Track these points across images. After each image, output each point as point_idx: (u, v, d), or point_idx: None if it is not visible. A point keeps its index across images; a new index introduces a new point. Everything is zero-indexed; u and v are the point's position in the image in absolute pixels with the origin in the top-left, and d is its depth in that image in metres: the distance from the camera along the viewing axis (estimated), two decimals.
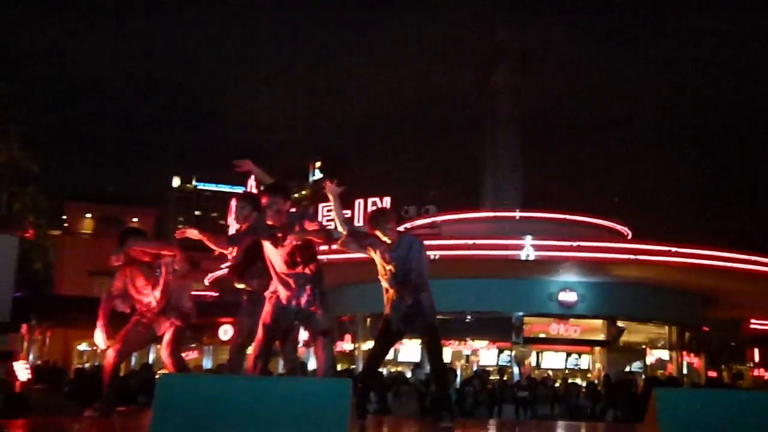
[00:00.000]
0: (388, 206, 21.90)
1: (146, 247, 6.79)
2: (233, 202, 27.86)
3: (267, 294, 6.12)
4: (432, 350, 6.36)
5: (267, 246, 6.04)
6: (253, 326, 6.22)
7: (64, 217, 45.20)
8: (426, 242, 6.40)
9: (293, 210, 6.10)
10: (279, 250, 5.95)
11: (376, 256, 6.17)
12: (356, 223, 22.90)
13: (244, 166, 6.83)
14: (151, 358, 27.12)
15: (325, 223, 7.99)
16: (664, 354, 23.31)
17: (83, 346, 31.35)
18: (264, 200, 5.95)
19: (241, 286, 6.68)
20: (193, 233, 6.04)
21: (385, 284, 6.17)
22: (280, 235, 5.90)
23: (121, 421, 6.42)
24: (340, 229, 6.22)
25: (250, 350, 6.45)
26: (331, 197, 6.21)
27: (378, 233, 6.16)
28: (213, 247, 6.22)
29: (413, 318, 6.11)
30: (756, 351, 31.68)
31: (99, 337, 6.64)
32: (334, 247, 6.35)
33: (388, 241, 6.14)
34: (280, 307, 6.00)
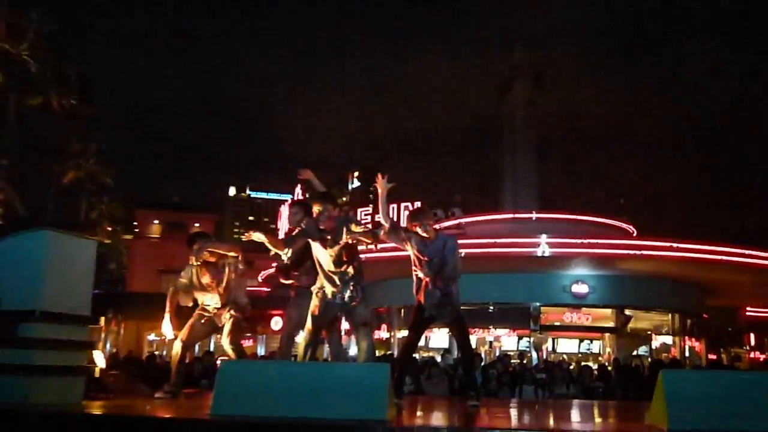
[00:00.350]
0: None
1: (216, 248, 6.83)
2: (285, 208, 28.07)
3: (314, 289, 6.14)
4: (461, 336, 6.33)
5: (317, 247, 6.09)
6: (301, 318, 6.24)
7: (135, 223, 45.72)
8: None
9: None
10: (328, 250, 6.02)
11: (413, 249, 6.11)
12: None
13: (305, 174, 6.86)
14: (212, 346, 27.35)
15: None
16: (668, 339, 23.01)
17: (152, 336, 31.67)
18: (316, 207, 6.05)
19: (287, 282, 6.69)
20: (258, 236, 6.12)
21: (420, 274, 6.10)
22: (329, 237, 5.99)
23: (186, 401, 6.45)
24: (383, 221, 6.17)
25: (298, 339, 6.46)
26: (380, 191, 6.16)
27: (417, 228, 6.11)
28: (272, 248, 6.31)
29: (444, 305, 6.05)
30: (752, 335, 31.29)
31: (167, 327, 6.68)
32: (378, 246, 6.32)
33: (426, 236, 6.09)
34: (326, 301, 6.05)
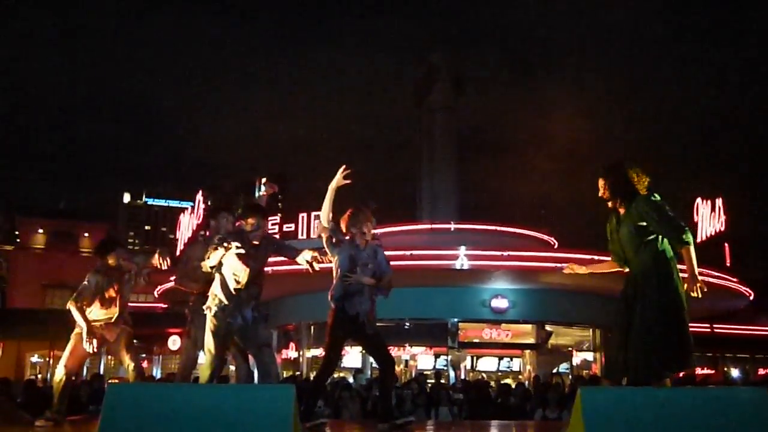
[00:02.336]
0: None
1: (128, 258, 6.81)
2: (185, 217, 27.54)
3: (211, 307, 5.98)
4: (382, 349, 6.28)
5: (232, 261, 5.96)
6: (201, 337, 6.13)
7: (17, 232, 44.05)
8: None
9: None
10: (247, 267, 5.95)
11: (342, 256, 6.07)
12: (300, 237, 22.82)
13: (273, 189, 7.12)
14: (102, 368, 26.55)
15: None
16: (589, 355, 23.63)
17: (35, 358, 30.55)
18: (251, 220, 6.04)
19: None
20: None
21: (352, 281, 6.03)
22: (255, 252, 5.99)
23: (71, 429, 6.25)
24: (323, 223, 6.16)
25: (200, 360, 6.36)
26: (333, 186, 6.17)
27: (354, 232, 6.11)
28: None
29: (371, 317, 6.10)
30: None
31: (88, 342, 6.47)
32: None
33: (360, 242, 6.10)
34: (227, 320, 5.94)
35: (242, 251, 5.87)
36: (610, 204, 5.40)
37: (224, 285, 5.98)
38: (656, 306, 5.03)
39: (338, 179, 6.22)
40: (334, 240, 6.10)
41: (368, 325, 6.07)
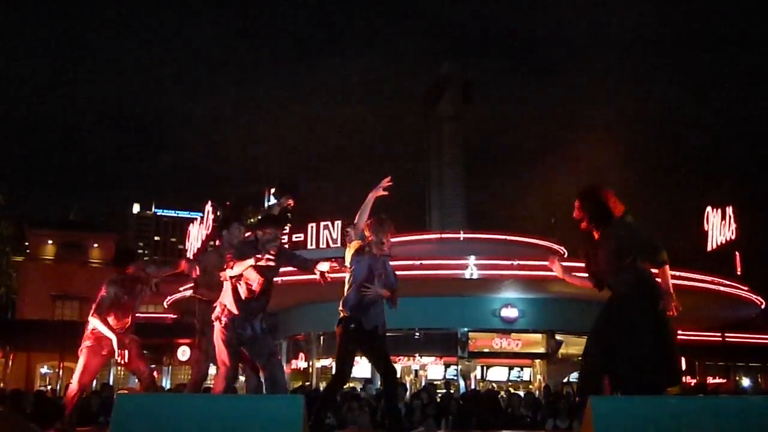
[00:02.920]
0: (340, 229, 21.90)
1: (143, 268, 6.93)
2: (194, 227, 27.60)
3: (221, 317, 5.93)
4: (386, 361, 6.25)
5: (250, 272, 5.88)
6: (212, 349, 6.13)
7: (27, 243, 44.21)
8: None
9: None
10: (261, 278, 5.88)
11: (361, 265, 6.06)
12: (309, 247, 22.85)
13: (290, 201, 7.23)
14: (111, 378, 26.59)
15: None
16: None
17: (45, 369, 30.62)
18: (269, 230, 5.94)
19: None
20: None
21: (370, 292, 6.03)
22: (273, 264, 5.84)
23: None
24: (353, 234, 6.18)
25: (211, 370, 6.38)
26: (373, 195, 6.18)
27: (375, 242, 6.10)
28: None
29: (384, 329, 6.13)
30: (682, 360, 32.29)
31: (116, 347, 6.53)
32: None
33: (378, 252, 6.11)
34: (237, 331, 5.86)
35: (272, 263, 5.76)
36: (583, 226, 5.44)
37: (236, 295, 5.90)
38: (642, 328, 5.05)
39: (380, 189, 6.23)
40: (365, 249, 6.09)
41: (383, 337, 6.09)
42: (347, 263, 6.15)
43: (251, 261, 5.67)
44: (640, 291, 5.18)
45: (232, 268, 5.78)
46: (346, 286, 6.14)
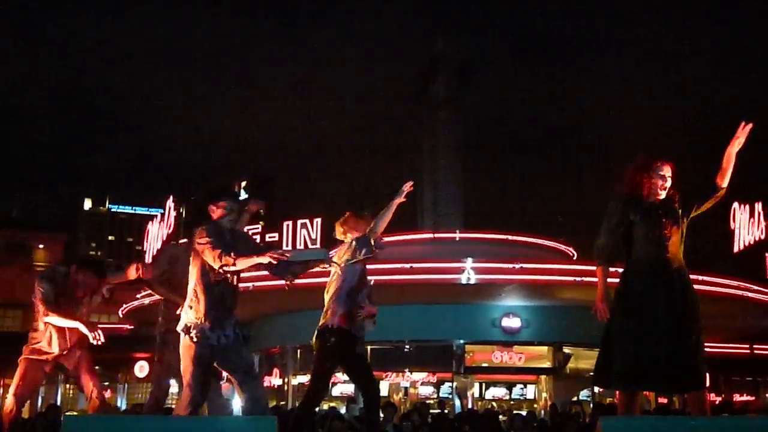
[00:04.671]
0: (319, 228, 21.88)
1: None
2: (153, 225, 27.59)
3: (189, 327, 5.76)
4: (367, 372, 6.40)
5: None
6: (174, 362, 6.08)
7: None
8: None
9: None
10: (231, 281, 5.80)
11: (355, 270, 6.20)
12: (285, 246, 22.82)
13: (260, 205, 7.08)
14: (59, 398, 26.46)
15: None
16: None
17: None
18: (223, 205, 5.81)
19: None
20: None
21: (366, 303, 6.23)
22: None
23: None
24: (376, 234, 6.33)
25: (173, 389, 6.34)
26: (396, 201, 6.37)
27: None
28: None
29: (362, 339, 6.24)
30: (707, 375, 32.38)
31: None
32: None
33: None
34: (208, 342, 5.60)
35: (286, 257, 5.57)
36: (670, 192, 5.45)
37: (210, 301, 5.64)
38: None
39: (402, 195, 6.37)
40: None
41: (364, 352, 6.16)
42: (338, 261, 6.18)
43: (263, 259, 5.42)
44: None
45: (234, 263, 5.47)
46: (331, 291, 6.18)
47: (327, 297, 6.25)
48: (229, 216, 5.78)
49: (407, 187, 6.39)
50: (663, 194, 5.39)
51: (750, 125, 5.34)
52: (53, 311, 6.50)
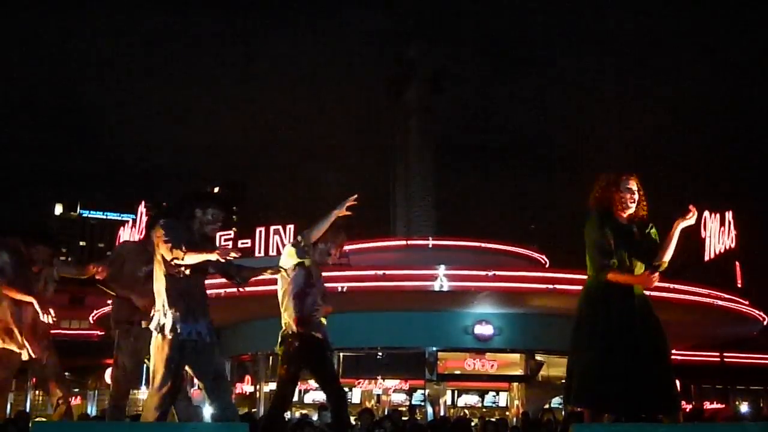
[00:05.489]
0: (292, 234, 21.80)
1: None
2: (125, 231, 27.39)
3: (161, 326, 5.63)
4: (332, 372, 6.54)
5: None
6: (140, 365, 6.06)
7: None
8: (333, 273, 6.44)
9: None
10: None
11: (301, 271, 6.22)
12: (257, 254, 22.75)
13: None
14: (28, 405, 26.17)
15: None
16: None
17: None
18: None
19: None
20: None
21: (320, 303, 6.24)
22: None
23: None
24: (309, 241, 6.27)
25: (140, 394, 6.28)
26: (336, 212, 6.24)
27: (320, 248, 6.33)
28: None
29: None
30: (677, 382, 32.61)
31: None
32: None
33: (321, 261, 6.37)
34: (179, 342, 5.47)
35: (235, 256, 5.60)
36: (637, 207, 5.48)
37: (181, 300, 5.53)
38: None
39: (344, 208, 6.27)
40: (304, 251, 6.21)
41: (331, 354, 6.17)
42: (285, 266, 6.22)
43: (212, 256, 5.33)
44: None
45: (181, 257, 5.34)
46: (280, 297, 6.27)
47: (280, 304, 6.32)
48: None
49: (351, 200, 6.31)
50: (633, 206, 5.42)
51: (695, 213, 5.54)
52: (9, 285, 6.38)
